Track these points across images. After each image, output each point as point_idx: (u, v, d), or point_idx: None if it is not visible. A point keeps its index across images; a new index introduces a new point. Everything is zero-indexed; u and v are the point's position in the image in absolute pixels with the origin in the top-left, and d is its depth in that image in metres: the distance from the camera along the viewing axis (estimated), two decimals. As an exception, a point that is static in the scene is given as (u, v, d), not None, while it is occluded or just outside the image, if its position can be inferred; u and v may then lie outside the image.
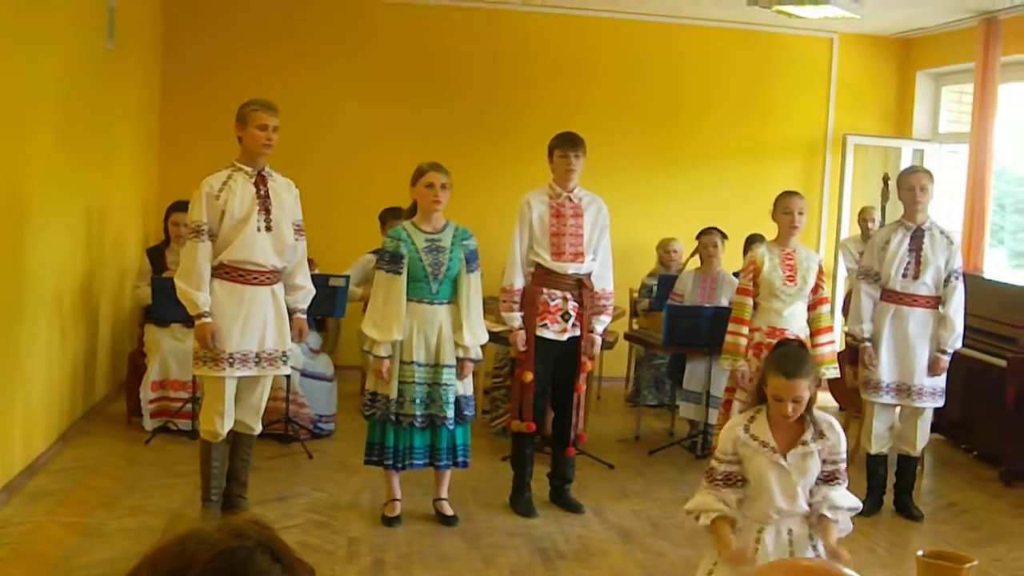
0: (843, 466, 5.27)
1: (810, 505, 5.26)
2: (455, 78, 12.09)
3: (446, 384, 7.11)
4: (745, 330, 7.61)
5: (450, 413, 7.12)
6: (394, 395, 7.07)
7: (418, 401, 7.08)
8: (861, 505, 5.41)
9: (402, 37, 11.97)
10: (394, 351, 7.06)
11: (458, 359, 7.17)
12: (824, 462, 5.23)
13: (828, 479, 5.26)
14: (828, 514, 5.27)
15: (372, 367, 7.17)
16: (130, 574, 1.74)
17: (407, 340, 7.06)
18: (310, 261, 9.66)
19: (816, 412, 5.26)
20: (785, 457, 5.19)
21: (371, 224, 9.97)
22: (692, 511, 5.34)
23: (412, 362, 7.07)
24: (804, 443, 5.19)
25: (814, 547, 5.33)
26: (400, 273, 7.02)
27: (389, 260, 7.07)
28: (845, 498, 5.28)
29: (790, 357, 5.20)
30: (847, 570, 1.84)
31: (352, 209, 11.33)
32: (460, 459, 7.31)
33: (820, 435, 5.23)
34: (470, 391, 7.33)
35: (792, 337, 6.86)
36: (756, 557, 5.18)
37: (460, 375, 7.19)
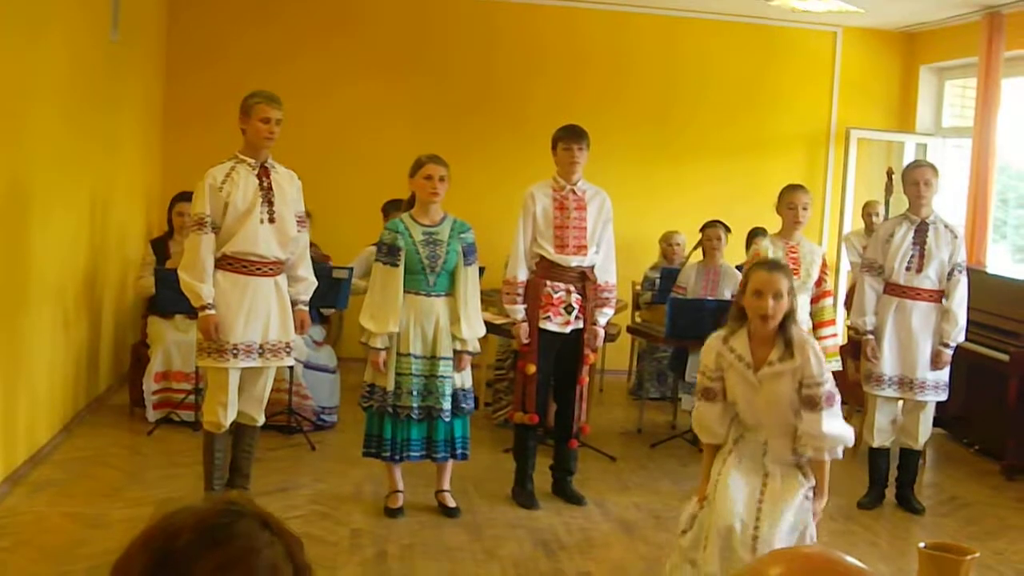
0: (825, 389, 5.30)
1: (799, 435, 5.37)
2: (455, 69, 12.11)
3: (443, 376, 7.11)
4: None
5: (446, 405, 7.13)
6: (391, 387, 7.08)
7: (415, 393, 7.09)
8: (851, 435, 5.49)
9: (403, 26, 11.99)
10: (391, 343, 7.07)
11: (455, 352, 7.17)
12: (801, 385, 5.29)
13: (808, 404, 5.30)
14: (812, 453, 5.40)
15: (369, 359, 7.17)
16: (124, 553, 1.76)
17: (404, 332, 7.07)
18: (324, 256, 9.71)
19: (793, 330, 5.33)
20: (756, 374, 5.30)
21: (372, 215, 9.97)
22: (695, 424, 5.63)
23: (409, 354, 7.07)
24: (771, 363, 5.29)
25: (800, 466, 5.43)
26: (397, 265, 7.03)
27: (386, 252, 7.08)
28: (829, 429, 5.33)
29: (770, 260, 5.55)
30: (849, 559, 1.84)
31: (353, 200, 11.34)
32: (459, 451, 7.32)
33: (789, 355, 5.28)
34: (468, 384, 7.34)
35: None
36: (731, 459, 5.41)
37: (458, 368, 7.20)
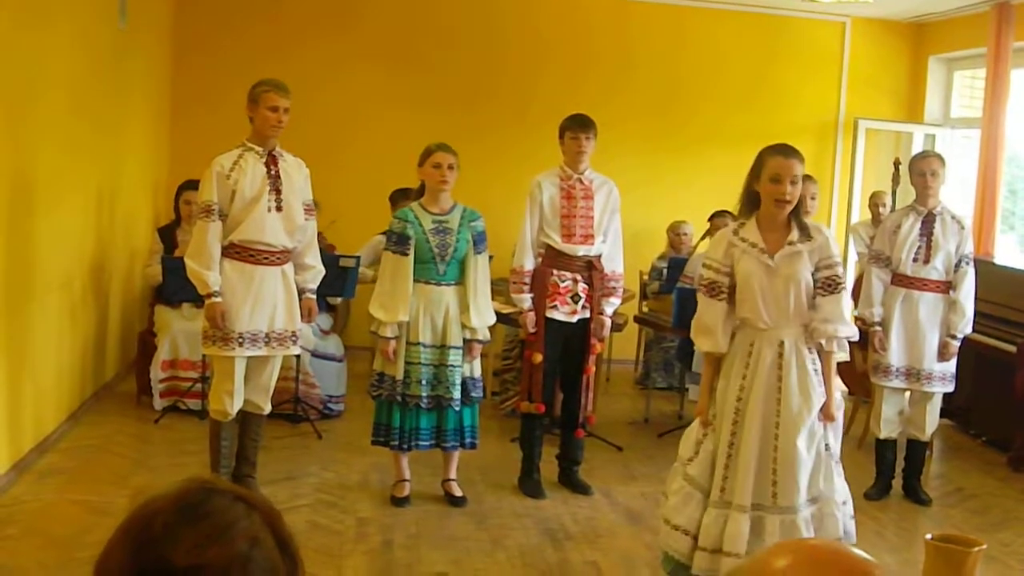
0: (840, 270, 5.50)
1: (810, 326, 5.50)
2: (460, 57, 12.10)
3: (452, 365, 7.11)
4: None
5: (456, 394, 7.13)
6: (400, 376, 7.08)
7: (424, 382, 7.09)
8: (858, 332, 5.64)
9: (407, 16, 11.98)
10: (400, 332, 7.07)
11: (465, 340, 7.17)
12: (817, 269, 5.45)
13: (829, 286, 5.46)
14: (824, 343, 5.53)
15: (379, 347, 7.17)
16: (104, 548, 1.76)
17: (413, 321, 7.07)
18: (330, 245, 9.71)
19: (803, 217, 5.52)
20: (773, 258, 5.39)
21: (378, 204, 9.98)
22: (695, 329, 5.72)
23: (418, 343, 7.08)
24: (791, 243, 5.41)
25: (814, 364, 5.53)
26: (407, 254, 7.03)
27: (396, 241, 7.07)
28: (846, 312, 5.54)
29: (783, 144, 5.57)
30: (856, 550, 1.83)
31: (359, 188, 11.35)
32: (468, 440, 7.32)
33: (808, 236, 5.44)
34: (478, 373, 7.34)
35: None
36: (741, 371, 5.51)
37: (468, 356, 7.20)
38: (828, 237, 5.58)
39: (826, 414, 5.61)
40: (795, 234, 5.49)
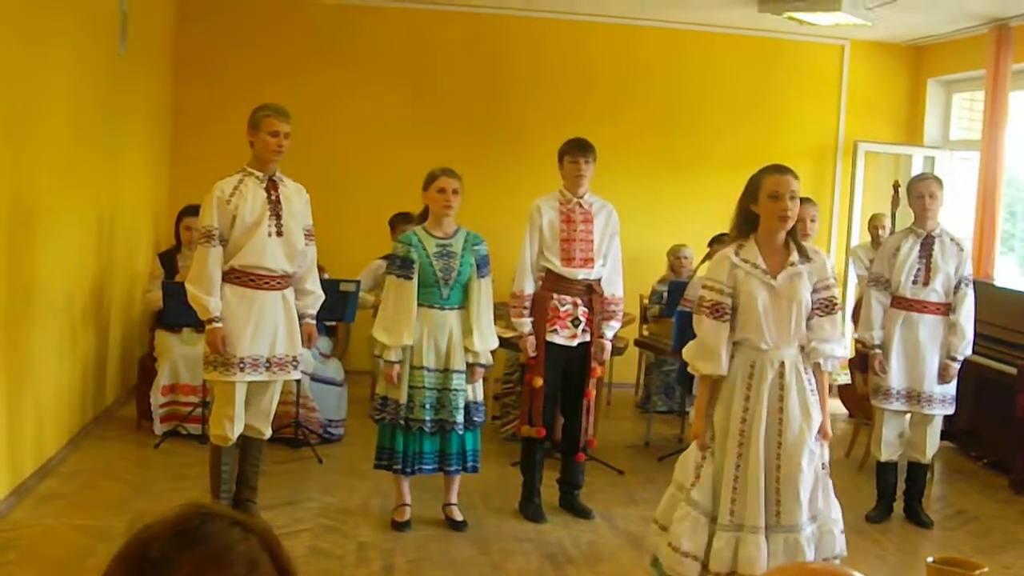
0: (836, 291, 5.67)
1: (804, 347, 5.59)
2: (459, 83, 12.15)
3: (456, 389, 7.11)
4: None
5: (459, 418, 7.13)
6: (404, 400, 7.08)
7: (428, 406, 7.09)
8: (852, 351, 5.80)
9: (406, 41, 12.03)
10: (404, 356, 7.07)
11: (468, 364, 7.17)
12: (815, 290, 5.56)
13: (826, 307, 5.60)
14: (822, 362, 5.64)
15: (383, 372, 7.17)
16: (104, 573, 1.76)
17: (417, 345, 7.07)
18: (319, 268, 9.73)
19: (800, 239, 5.65)
20: (776, 278, 5.48)
21: (378, 229, 10.00)
22: (696, 350, 5.72)
23: (422, 367, 7.07)
24: (792, 264, 5.53)
25: (810, 383, 5.61)
26: (411, 278, 7.03)
27: (400, 265, 7.08)
28: (841, 331, 5.73)
29: (777, 164, 5.68)
30: (856, 574, 1.83)
31: (358, 213, 11.38)
32: (470, 464, 7.31)
33: (807, 258, 5.57)
34: (480, 396, 7.34)
35: None
36: (743, 391, 5.56)
37: (471, 380, 7.20)
38: (825, 259, 5.70)
39: (823, 433, 5.67)
40: (795, 255, 5.59)
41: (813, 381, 5.64)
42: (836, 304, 5.65)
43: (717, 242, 9.93)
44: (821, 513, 5.67)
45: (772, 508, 5.56)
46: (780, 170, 5.62)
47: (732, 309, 5.60)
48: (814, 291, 5.58)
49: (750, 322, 5.56)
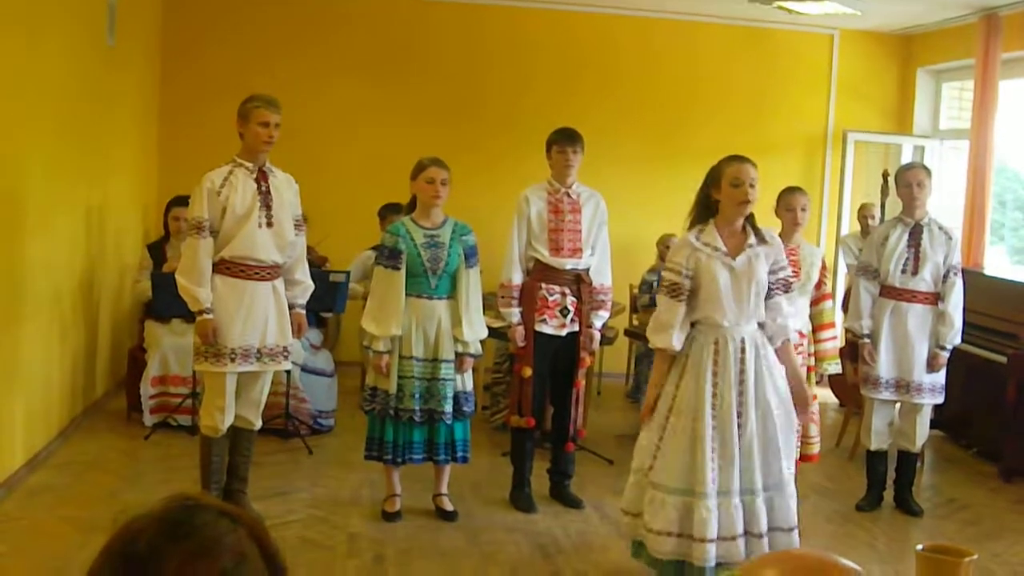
0: (790, 270, 6.12)
1: (770, 326, 5.98)
2: (448, 71, 12.14)
3: (444, 379, 7.11)
4: None
5: (448, 408, 7.13)
6: (393, 390, 7.07)
7: (417, 396, 7.08)
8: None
9: (395, 30, 12.02)
10: (393, 346, 7.07)
11: (457, 354, 7.17)
12: (772, 271, 5.92)
13: (784, 286, 5.99)
14: (780, 341, 6.04)
15: (372, 362, 7.17)
16: (91, 567, 1.75)
17: (406, 335, 7.07)
18: (323, 259, 9.73)
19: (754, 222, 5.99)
20: (735, 260, 5.84)
21: (367, 219, 9.99)
22: (652, 327, 6.08)
23: (411, 357, 7.07)
24: (750, 246, 5.89)
25: (767, 358, 5.94)
26: (399, 269, 7.03)
27: (388, 256, 7.08)
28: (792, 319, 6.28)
29: (737, 155, 6.01)
30: (843, 561, 1.84)
31: (347, 203, 11.36)
32: (459, 454, 7.31)
33: (763, 241, 5.93)
34: (469, 387, 7.34)
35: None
36: (710, 366, 5.87)
37: (460, 370, 7.20)
38: (780, 242, 6.09)
39: (803, 403, 6.16)
40: (752, 238, 5.93)
41: (771, 355, 5.97)
42: (792, 283, 6.12)
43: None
44: (778, 482, 5.94)
45: (737, 473, 5.86)
46: (740, 160, 5.93)
47: (692, 290, 5.92)
48: (772, 272, 5.93)
49: (711, 301, 5.87)
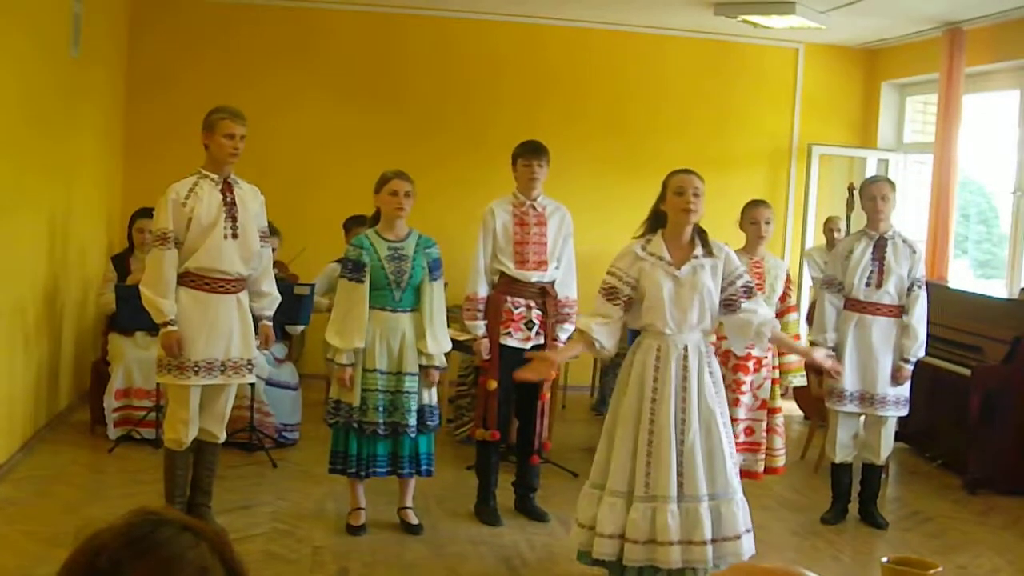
0: (748, 276, 6.20)
1: (754, 329, 6.16)
2: (417, 87, 12.13)
3: (408, 392, 7.10)
4: (712, 338, 7.62)
5: (412, 421, 7.11)
6: (357, 403, 7.06)
7: (381, 409, 7.07)
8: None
9: (363, 46, 12.01)
10: (357, 359, 7.05)
11: (422, 367, 7.16)
12: (730, 283, 6.05)
13: (747, 292, 6.10)
14: (768, 337, 6.32)
15: (335, 375, 7.15)
16: None
17: (369, 348, 7.05)
18: (294, 276, 9.70)
19: (705, 234, 6.12)
20: (679, 270, 5.94)
21: (334, 232, 9.97)
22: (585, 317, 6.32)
23: (375, 370, 7.06)
24: (696, 257, 5.99)
25: (710, 366, 6.05)
26: (362, 281, 7.02)
27: (351, 268, 7.06)
28: (768, 308, 6.57)
29: (683, 168, 6.27)
30: (809, 573, 1.84)
31: (315, 217, 11.31)
32: (424, 467, 7.29)
33: (710, 253, 6.04)
34: (434, 400, 7.32)
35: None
36: (652, 373, 5.97)
37: (425, 382, 7.19)
38: (729, 253, 6.15)
39: (817, 362, 6.75)
40: (699, 250, 6.04)
41: (715, 363, 6.09)
42: (753, 287, 6.16)
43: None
44: (723, 491, 5.99)
45: (677, 480, 5.90)
46: (685, 171, 6.19)
47: (635, 299, 6.03)
48: (729, 283, 6.05)
49: (654, 309, 5.96)
